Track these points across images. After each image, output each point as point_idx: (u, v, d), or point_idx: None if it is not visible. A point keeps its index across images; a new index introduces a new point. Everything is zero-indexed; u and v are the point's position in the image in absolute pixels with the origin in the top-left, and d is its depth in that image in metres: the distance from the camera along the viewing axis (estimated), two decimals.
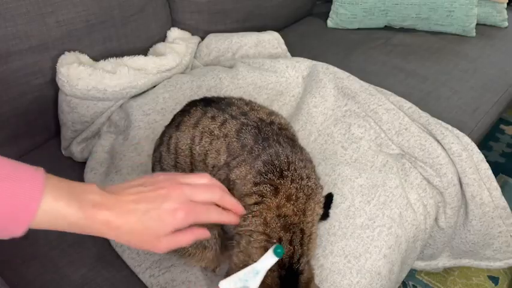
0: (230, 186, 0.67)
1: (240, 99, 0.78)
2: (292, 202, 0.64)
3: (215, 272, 0.77)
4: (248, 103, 0.77)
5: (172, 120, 0.79)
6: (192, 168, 0.72)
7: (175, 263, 0.77)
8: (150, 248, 0.51)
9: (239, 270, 0.59)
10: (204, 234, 0.55)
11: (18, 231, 0.44)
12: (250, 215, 0.64)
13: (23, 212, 0.43)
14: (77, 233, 0.47)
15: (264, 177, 0.65)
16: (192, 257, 0.74)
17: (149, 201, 0.49)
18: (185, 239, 0.52)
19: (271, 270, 0.59)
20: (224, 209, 0.56)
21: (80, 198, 0.46)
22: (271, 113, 0.77)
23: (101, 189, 0.48)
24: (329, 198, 0.86)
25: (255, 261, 0.59)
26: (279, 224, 0.63)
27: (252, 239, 0.63)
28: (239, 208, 0.58)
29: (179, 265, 0.77)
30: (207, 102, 0.76)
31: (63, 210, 0.45)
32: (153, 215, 0.48)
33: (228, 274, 0.72)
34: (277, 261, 0.59)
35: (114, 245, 0.81)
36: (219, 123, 0.71)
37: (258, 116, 0.74)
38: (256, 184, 0.65)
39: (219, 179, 0.66)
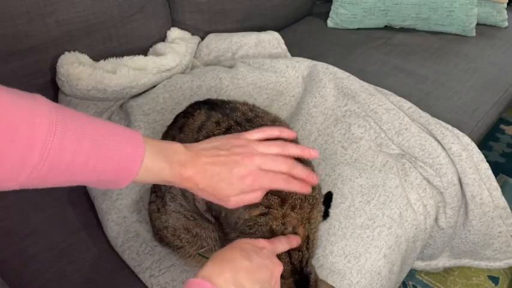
0: None
1: (245, 104, 0.77)
2: (296, 211, 0.65)
3: None
4: (252, 109, 0.76)
5: (175, 121, 0.78)
6: None
7: (175, 263, 0.77)
8: (222, 203, 0.58)
9: None
10: (260, 198, 0.60)
11: (122, 184, 0.51)
12: (256, 225, 0.65)
13: (128, 169, 0.50)
14: (169, 184, 0.57)
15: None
16: (192, 258, 0.74)
17: (222, 164, 0.56)
18: (250, 198, 0.58)
19: (284, 277, 0.62)
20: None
21: (170, 159, 0.54)
22: (275, 119, 0.76)
23: (185, 149, 0.56)
24: (329, 196, 0.86)
25: None
26: (284, 230, 0.64)
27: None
28: (312, 178, 0.61)
29: (179, 265, 0.77)
30: (211, 106, 0.75)
31: (158, 169, 0.53)
32: (223, 177, 0.55)
33: None
34: (290, 268, 0.63)
35: (114, 245, 0.81)
36: (223, 129, 0.70)
37: (262, 123, 0.73)
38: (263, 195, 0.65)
39: None
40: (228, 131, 0.69)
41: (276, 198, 0.65)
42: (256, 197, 0.58)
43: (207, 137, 0.70)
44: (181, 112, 0.78)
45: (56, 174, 0.45)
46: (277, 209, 0.64)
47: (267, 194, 0.64)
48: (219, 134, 0.69)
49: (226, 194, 0.56)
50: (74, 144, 0.45)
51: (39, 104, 0.44)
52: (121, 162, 0.49)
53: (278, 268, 0.56)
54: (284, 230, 0.64)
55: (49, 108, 0.44)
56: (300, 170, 0.59)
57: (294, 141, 0.67)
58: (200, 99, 0.80)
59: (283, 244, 0.60)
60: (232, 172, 0.55)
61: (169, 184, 0.56)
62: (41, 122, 0.43)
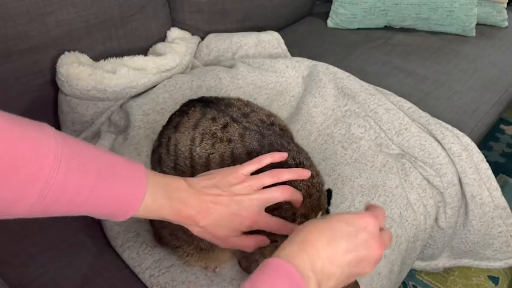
0: None
1: (239, 99, 0.77)
2: (307, 200, 0.65)
3: (215, 272, 0.77)
4: (247, 104, 0.76)
5: (170, 120, 0.77)
6: (192, 172, 0.71)
7: (175, 263, 0.77)
8: (218, 242, 0.60)
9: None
10: (264, 241, 0.62)
11: (120, 219, 0.52)
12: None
13: (128, 206, 0.51)
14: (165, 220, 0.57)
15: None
16: (191, 257, 0.74)
17: (224, 205, 0.57)
18: (247, 242, 0.61)
19: None
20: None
21: (171, 196, 0.54)
22: (270, 114, 0.76)
23: (188, 185, 0.56)
24: (328, 193, 0.86)
25: None
26: (297, 222, 0.64)
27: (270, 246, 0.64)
28: (303, 172, 0.63)
29: (179, 265, 0.77)
30: (205, 103, 0.75)
31: (158, 206, 0.54)
32: (225, 219, 0.57)
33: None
34: None
35: (114, 245, 0.81)
36: (220, 125, 0.70)
37: (258, 117, 0.73)
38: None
39: None
40: (225, 127, 0.69)
41: None
42: (250, 243, 0.61)
43: (204, 133, 0.70)
44: (175, 111, 0.78)
45: (56, 208, 0.46)
46: (286, 202, 0.64)
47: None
48: (216, 131, 0.69)
49: (225, 234, 0.58)
50: (76, 182, 0.46)
51: (47, 137, 0.44)
52: (122, 199, 0.50)
53: (373, 252, 0.49)
54: (294, 221, 0.64)
55: (56, 143, 0.44)
56: (286, 175, 0.62)
57: (289, 150, 0.69)
58: None
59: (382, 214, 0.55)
60: (234, 214, 0.58)
61: (169, 221, 0.57)
62: (47, 157, 0.43)
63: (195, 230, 0.58)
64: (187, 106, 0.76)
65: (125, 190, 0.50)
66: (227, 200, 0.58)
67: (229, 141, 0.69)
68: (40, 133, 0.44)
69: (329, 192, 0.87)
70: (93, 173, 0.47)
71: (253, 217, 0.59)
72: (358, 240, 0.49)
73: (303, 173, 0.63)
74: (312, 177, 0.67)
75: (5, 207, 0.43)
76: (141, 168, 0.53)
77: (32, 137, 0.43)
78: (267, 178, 0.60)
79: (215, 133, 0.69)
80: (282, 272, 0.44)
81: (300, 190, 0.65)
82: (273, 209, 0.64)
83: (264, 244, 0.62)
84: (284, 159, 0.64)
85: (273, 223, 0.61)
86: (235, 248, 0.61)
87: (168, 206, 0.54)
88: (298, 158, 0.68)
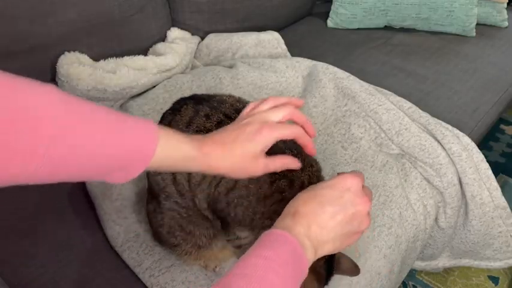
0: (242, 192, 0.67)
1: (230, 96, 0.76)
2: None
3: (215, 271, 0.77)
4: (239, 100, 0.76)
5: (162, 118, 0.76)
6: (190, 172, 0.71)
7: (175, 263, 0.77)
8: (251, 170, 0.57)
9: None
10: (294, 162, 0.60)
11: (136, 169, 0.49)
12: (275, 215, 0.64)
13: (146, 146, 0.48)
14: (186, 168, 0.54)
15: (279, 174, 0.65)
16: (189, 256, 0.74)
17: (235, 130, 0.57)
18: (278, 161, 0.58)
19: None
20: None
21: (188, 137, 0.53)
22: None
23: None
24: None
25: None
26: None
27: None
28: (310, 126, 0.62)
29: (179, 265, 0.77)
30: (197, 100, 0.74)
31: (177, 143, 0.52)
32: (242, 138, 0.55)
33: None
34: None
35: (114, 245, 0.81)
36: (215, 122, 0.70)
37: None
38: (272, 183, 0.66)
39: (227, 188, 0.67)
40: (219, 124, 0.69)
41: (285, 182, 0.65)
42: (280, 162, 0.59)
43: (198, 131, 0.69)
44: (168, 109, 0.77)
45: (70, 159, 0.43)
46: (289, 192, 0.65)
47: (275, 180, 0.66)
48: (210, 128, 0.69)
49: (252, 154, 0.55)
50: (88, 126, 0.44)
51: (49, 86, 0.43)
52: (137, 140, 0.48)
53: (361, 208, 0.53)
54: None
55: (58, 91, 0.43)
56: (300, 114, 0.61)
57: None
58: None
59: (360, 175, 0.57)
60: (247, 131, 0.56)
61: (190, 166, 0.54)
62: (52, 102, 0.42)
63: (220, 165, 0.55)
64: (179, 104, 0.75)
65: (139, 131, 0.48)
66: (236, 128, 0.57)
67: None
68: (44, 85, 0.43)
69: None
70: (102, 117, 0.46)
71: (267, 125, 0.57)
72: (344, 200, 0.53)
73: (296, 101, 0.63)
74: (311, 166, 0.68)
75: (21, 158, 0.41)
76: (150, 120, 0.52)
77: (37, 86, 0.42)
78: (265, 104, 0.61)
79: (210, 130, 0.69)
80: (281, 239, 0.48)
81: (302, 181, 0.66)
82: (278, 201, 0.65)
83: (294, 165, 0.60)
84: (301, 104, 0.64)
85: (292, 125, 0.59)
86: (268, 171, 0.58)
87: (187, 142, 0.52)
88: (295, 148, 0.67)
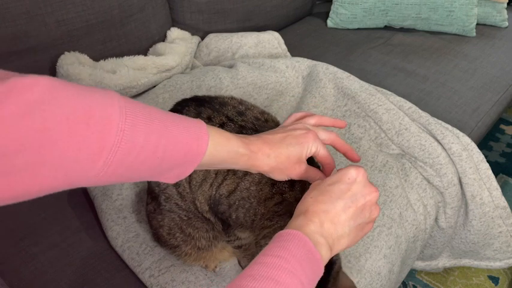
0: (244, 194, 0.67)
1: (232, 98, 0.76)
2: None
3: (215, 271, 0.77)
4: (241, 102, 0.76)
5: None
6: (191, 174, 0.71)
7: (175, 263, 0.77)
8: (292, 172, 0.59)
9: None
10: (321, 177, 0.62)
11: (192, 164, 0.51)
12: (276, 215, 0.65)
13: (198, 142, 0.50)
14: (233, 165, 0.56)
15: None
16: (189, 257, 0.74)
17: (283, 133, 0.59)
18: (316, 172, 0.61)
19: None
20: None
21: (236, 135, 0.55)
22: (263, 112, 0.76)
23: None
24: None
25: None
26: None
27: None
28: (353, 153, 0.67)
29: (179, 265, 0.77)
30: (199, 102, 0.74)
31: (226, 140, 0.53)
32: (291, 140, 0.58)
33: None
34: None
35: (114, 245, 0.81)
36: (217, 125, 0.69)
37: (253, 115, 0.73)
38: (273, 185, 0.66)
39: (229, 191, 0.67)
40: (221, 127, 0.69)
41: (285, 184, 0.66)
42: (315, 172, 0.61)
43: None
44: (169, 110, 0.76)
45: (130, 159, 0.44)
46: (289, 194, 0.65)
47: (276, 182, 0.66)
48: None
49: (297, 156, 0.58)
50: (144, 126, 0.45)
51: (109, 92, 0.44)
52: (190, 137, 0.49)
53: (370, 197, 0.54)
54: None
55: (118, 96, 0.44)
56: (342, 142, 0.66)
57: None
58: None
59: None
60: (295, 133, 0.59)
61: (236, 163, 0.55)
62: (112, 106, 0.43)
63: (267, 163, 0.57)
64: (181, 105, 0.75)
65: (191, 129, 0.50)
66: (283, 131, 0.60)
67: None
68: (103, 90, 0.44)
69: None
70: (158, 117, 0.47)
71: (313, 132, 0.60)
72: (352, 192, 0.53)
73: (340, 123, 0.69)
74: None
75: (86, 160, 0.41)
76: (198, 119, 0.54)
77: (95, 91, 0.43)
78: (311, 118, 0.65)
79: None
80: (294, 239, 0.47)
81: (304, 183, 0.66)
82: (279, 203, 0.65)
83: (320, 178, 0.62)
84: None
85: (336, 137, 0.65)
86: (304, 177, 0.60)
87: (236, 139, 0.54)
88: None
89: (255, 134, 0.68)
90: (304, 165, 0.59)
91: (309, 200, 0.54)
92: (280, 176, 0.59)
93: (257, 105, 0.78)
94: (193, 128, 0.50)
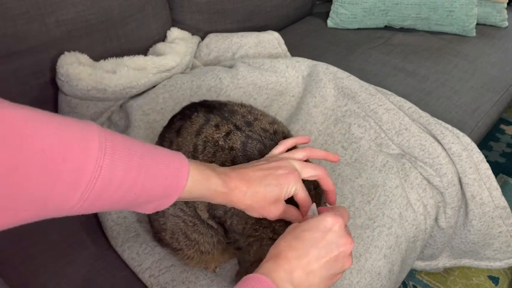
0: None
1: (242, 105, 0.76)
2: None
3: (215, 272, 0.77)
4: (251, 111, 0.75)
5: (171, 123, 0.75)
6: None
7: (176, 263, 0.77)
8: (268, 213, 0.58)
9: (251, 266, 0.63)
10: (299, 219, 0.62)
11: (169, 200, 0.51)
12: (261, 227, 0.66)
13: (177, 180, 0.50)
14: (210, 200, 0.56)
15: None
16: (191, 260, 0.74)
17: (265, 170, 0.58)
18: (296, 213, 0.61)
19: None
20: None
21: (214, 169, 0.55)
22: (273, 122, 0.75)
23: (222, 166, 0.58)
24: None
25: None
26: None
27: (263, 244, 0.65)
28: (333, 196, 0.66)
29: (179, 265, 0.77)
30: (209, 109, 0.73)
31: (205, 176, 0.53)
32: (270, 180, 0.57)
33: (239, 272, 0.73)
34: None
35: (114, 245, 0.81)
36: (223, 133, 0.69)
37: (261, 126, 0.72)
38: None
39: None
40: (228, 135, 0.69)
41: None
42: (294, 213, 0.61)
43: (206, 141, 0.69)
44: (177, 114, 0.76)
45: (107, 195, 0.44)
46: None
47: None
48: (218, 138, 0.69)
49: (275, 197, 0.57)
50: (123, 163, 0.45)
51: (89, 125, 0.44)
52: (169, 174, 0.50)
53: (345, 248, 0.53)
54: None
55: (98, 129, 0.44)
56: (330, 181, 0.64)
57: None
58: (199, 99, 0.79)
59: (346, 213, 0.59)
60: (277, 173, 0.58)
61: (214, 199, 0.55)
62: (92, 140, 0.43)
63: (243, 202, 0.56)
64: (190, 110, 0.74)
65: (171, 165, 0.50)
66: (266, 166, 0.59)
67: (231, 149, 0.68)
68: (82, 123, 0.44)
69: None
70: (138, 153, 0.47)
71: (294, 171, 0.59)
72: (327, 241, 0.52)
73: (332, 157, 0.67)
74: (309, 189, 0.67)
75: (61, 195, 0.41)
76: (179, 153, 0.54)
77: (74, 125, 0.43)
78: (300, 152, 0.64)
79: (217, 141, 0.68)
80: (261, 286, 0.47)
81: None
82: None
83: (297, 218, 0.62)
84: (308, 141, 0.68)
85: (315, 166, 0.63)
86: (280, 217, 0.60)
87: (215, 176, 0.54)
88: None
89: (261, 146, 0.68)
90: (281, 206, 0.59)
91: (282, 244, 0.52)
92: (256, 215, 0.59)
93: (268, 114, 0.77)
94: (173, 165, 0.51)
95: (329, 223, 0.53)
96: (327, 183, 0.64)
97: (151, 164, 0.48)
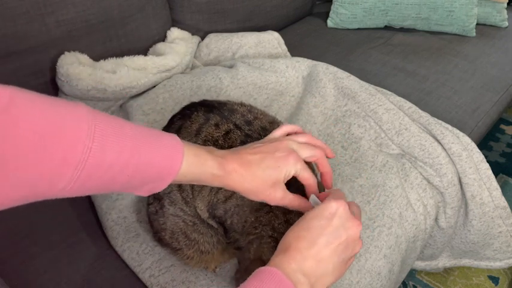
0: (239, 202, 0.67)
1: (242, 105, 0.76)
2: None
3: (215, 272, 0.77)
4: (251, 110, 0.75)
5: (171, 123, 0.76)
6: None
7: (175, 263, 0.77)
8: (267, 197, 0.57)
9: (251, 264, 0.63)
10: (307, 207, 0.60)
11: (164, 182, 0.50)
12: (260, 225, 0.66)
13: (171, 161, 0.49)
14: (208, 183, 0.54)
15: None
16: (191, 260, 0.74)
17: (263, 152, 0.57)
18: (296, 200, 0.59)
19: None
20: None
21: (210, 151, 0.54)
22: (273, 121, 0.75)
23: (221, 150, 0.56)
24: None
25: (267, 258, 0.61)
26: (286, 229, 0.64)
27: (263, 242, 0.65)
28: (330, 179, 0.64)
29: (179, 265, 0.77)
30: (208, 108, 0.73)
31: (201, 159, 0.52)
32: (269, 162, 0.55)
33: (238, 271, 0.74)
34: None
35: (114, 245, 0.81)
36: (223, 132, 0.69)
37: (261, 125, 0.72)
38: None
39: (225, 196, 0.68)
40: (227, 134, 0.69)
41: None
42: (296, 200, 0.59)
43: (206, 140, 0.69)
44: (177, 113, 0.77)
45: (98, 176, 0.44)
46: (277, 207, 0.64)
47: None
48: (218, 137, 0.69)
49: (273, 180, 0.56)
50: (114, 144, 0.44)
51: (78, 106, 0.44)
52: (163, 156, 0.48)
53: (353, 232, 0.52)
54: (286, 228, 0.64)
55: (87, 110, 0.44)
56: (326, 163, 0.63)
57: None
58: (199, 99, 0.79)
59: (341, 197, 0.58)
60: (275, 155, 0.56)
61: (212, 182, 0.54)
62: (81, 121, 0.42)
63: (241, 185, 0.55)
64: (190, 110, 0.74)
65: (164, 146, 0.49)
66: (264, 148, 0.57)
67: (231, 148, 0.68)
68: (72, 104, 0.44)
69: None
70: (130, 135, 0.46)
71: (295, 154, 0.58)
72: (334, 227, 0.52)
73: (330, 152, 0.65)
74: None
75: (50, 176, 0.41)
76: (174, 135, 0.52)
77: (63, 105, 0.42)
78: (302, 137, 0.62)
79: (217, 140, 0.69)
80: (274, 279, 0.47)
81: (298, 188, 0.66)
82: (265, 213, 0.66)
83: (307, 210, 0.60)
84: (297, 131, 0.66)
85: (311, 147, 0.61)
86: (282, 204, 0.59)
87: (211, 159, 0.52)
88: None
89: None
90: (281, 190, 0.57)
91: (290, 236, 0.52)
92: (255, 198, 0.58)
93: (268, 114, 0.77)
94: (168, 147, 0.49)
95: (333, 208, 0.53)
96: (324, 165, 0.63)
97: (144, 145, 0.47)
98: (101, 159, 0.43)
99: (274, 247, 0.62)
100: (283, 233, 0.63)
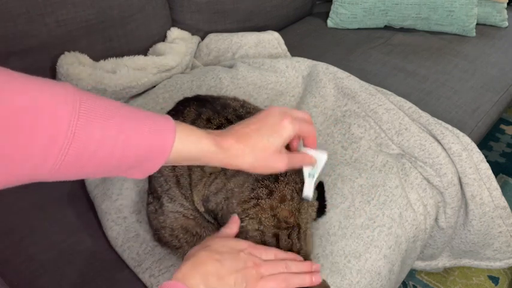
0: (228, 195, 0.68)
1: (235, 99, 0.76)
2: (286, 203, 0.66)
3: None
4: (243, 105, 0.76)
5: None
6: (189, 173, 0.71)
7: (175, 263, 0.77)
8: (274, 166, 0.56)
9: None
10: (310, 159, 0.61)
11: (157, 162, 0.49)
12: (247, 218, 0.66)
13: (163, 141, 0.48)
14: (207, 163, 0.53)
15: (261, 183, 0.66)
16: None
17: (256, 122, 0.56)
18: (299, 156, 0.60)
19: None
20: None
21: (207, 132, 0.52)
22: None
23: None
24: (320, 186, 0.86)
25: None
26: (273, 223, 0.65)
27: (249, 236, 0.66)
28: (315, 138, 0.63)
29: (179, 265, 0.77)
30: (201, 103, 0.74)
31: (196, 138, 0.51)
32: (265, 131, 0.55)
33: None
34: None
35: (114, 245, 0.81)
36: (214, 127, 0.70)
37: None
38: (253, 189, 0.66)
39: (217, 188, 0.68)
40: (219, 129, 0.69)
41: (264, 190, 0.66)
42: (301, 158, 0.60)
43: None
44: (171, 110, 0.77)
45: (85, 156, 0.42)
46: (265, 200, 0.65)
47: (256, 187, 0.66)
48: None
49: (275, 146, 0.55)
50: (100, 122, 0.43)
51: (64, 85, 0.43)
52: (153, 133, 0.47)
53: (252, 271, 0.57)
54: (273, 221, 0.65)
55: (73, 89, 0.42)
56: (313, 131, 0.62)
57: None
58: None
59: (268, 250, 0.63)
60: (269, 123, 0.56)
61: (210, 161, 0.53)
62: (66, 102, 0.41)
63: (243, 160, 0.54)
64: (183, 105, 0.75)
65: (154, 124, 0.47)
66: (255, 120, 0.57)
67: None
68: (59, 84, 0.43)
69: (320, 185, 0.87)
70: (119, 114, 0.45)
71: (289, 116, 0.57)
72: (240, 257, 0.58)
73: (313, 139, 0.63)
74: (295, 183, 0.68)
75: (37, 156, 0.40)
76: (166, 115, 0.51)
77: (49, 84, 0.41)
78: (300, 112, 0.61)
79: None
80: None
81: (284, 194, 0.66)
82: (252, 207, 0.66)
83: (312, 164, 0.62)
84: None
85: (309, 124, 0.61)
86: (291, 168, 0.58)
87: (206, 137, 0.51)
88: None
89: None
90: (285, 155, 0.57)
91: (202, 250, 0.57)
92: (261, 171, 0.57)
93: (260, 108, 0.78)
94: (158, 124, 0.48)
95: (242, 246, 0.60)
96: (308, 127, 0.61)
97: (132, 121, 0.46)
98: (87, 137, 0.42)
99: (260, 241, 0.64)
100: (270, 227, 0.64)
